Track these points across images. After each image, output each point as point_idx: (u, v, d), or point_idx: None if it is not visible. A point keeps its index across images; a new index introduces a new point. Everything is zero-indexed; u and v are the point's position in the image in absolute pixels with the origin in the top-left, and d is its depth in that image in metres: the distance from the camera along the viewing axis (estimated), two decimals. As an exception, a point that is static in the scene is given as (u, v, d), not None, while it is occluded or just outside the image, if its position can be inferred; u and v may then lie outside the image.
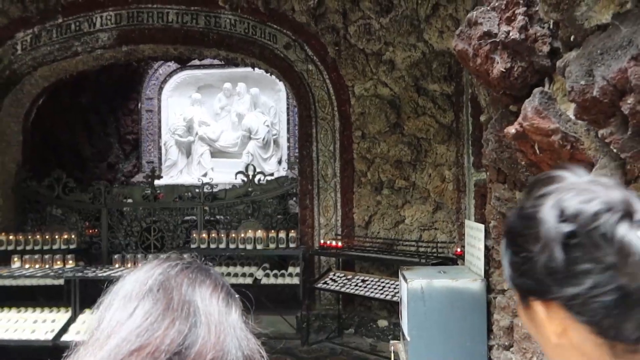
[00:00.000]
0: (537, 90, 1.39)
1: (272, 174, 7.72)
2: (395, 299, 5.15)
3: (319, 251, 6.14)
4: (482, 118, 2.67)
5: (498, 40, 1.50)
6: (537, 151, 1.44)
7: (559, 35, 1.41)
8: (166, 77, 10.65)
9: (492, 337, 2.62)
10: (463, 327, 2.58)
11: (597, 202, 0.61)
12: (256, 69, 10.64)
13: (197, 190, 7.08)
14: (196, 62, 9.66)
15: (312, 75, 6.34)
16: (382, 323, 6.01)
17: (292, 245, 6.17)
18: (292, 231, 6.28)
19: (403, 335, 2.66)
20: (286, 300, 7.00)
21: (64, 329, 4.73)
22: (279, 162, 10.92)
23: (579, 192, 0.62)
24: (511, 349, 2.50)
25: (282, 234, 6.22)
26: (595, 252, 0.59)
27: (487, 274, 2.65)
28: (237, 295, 0.71)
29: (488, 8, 1.53)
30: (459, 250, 4.70)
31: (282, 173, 10.26)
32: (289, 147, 10.95)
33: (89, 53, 6.41)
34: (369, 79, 6.13)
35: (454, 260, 5.17)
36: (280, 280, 6.11)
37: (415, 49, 5.86)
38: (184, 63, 7.96)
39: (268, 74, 10.96)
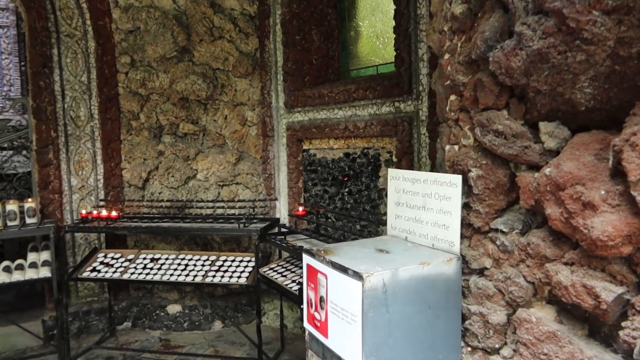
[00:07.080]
0: None
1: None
2: (198, 279, 3.93)
3: (77, 227, 4.27)
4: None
5: None
6: None
7: None
8: None
9: (468, 337, 1.81)
10: (434, 333, 1.70)
11: None
12: None
13: None
14: None
15: (48, -32, 4.25)
16: (174, 309, 4.70)
17: (31, 221, 4.21)
18: (30, 200, 4.28)
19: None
20: (23, 302, 5.29)
21: None
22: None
23: None
24: (502, 353, 1.74)
25: (12, 206, 4.17)
26: None
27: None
28: None
29: None
30: (301, 209, 3.76)
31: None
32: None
33: None
34: (141, -17, 4.43)
35: (276, 221, 4.22)
36: (17, 277, 4.08)
37: (208, -51, 4.44)
38: None
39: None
